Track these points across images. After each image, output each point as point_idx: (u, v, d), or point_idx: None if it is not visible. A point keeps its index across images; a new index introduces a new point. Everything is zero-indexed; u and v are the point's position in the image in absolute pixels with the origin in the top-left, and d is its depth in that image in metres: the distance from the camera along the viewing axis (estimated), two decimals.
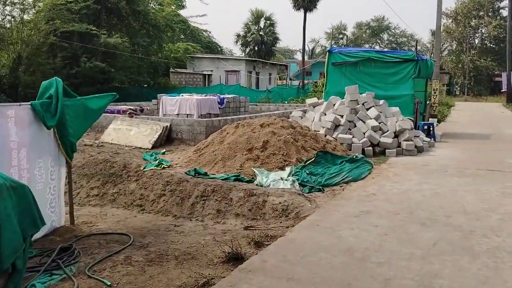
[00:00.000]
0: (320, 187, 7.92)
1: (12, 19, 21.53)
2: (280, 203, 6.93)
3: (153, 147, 10.84)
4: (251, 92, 33.37)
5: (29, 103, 5.71)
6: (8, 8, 21.20)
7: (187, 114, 14.51)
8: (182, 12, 42.18)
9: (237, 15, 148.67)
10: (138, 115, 12.31)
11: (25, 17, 22.42)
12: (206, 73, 38.97)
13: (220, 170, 8.31)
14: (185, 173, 7.95)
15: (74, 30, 23.80)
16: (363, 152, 11.38)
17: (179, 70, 36.39)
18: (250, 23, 53.24)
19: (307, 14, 48.22)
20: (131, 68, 27.78)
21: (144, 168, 8.16)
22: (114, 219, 6.79)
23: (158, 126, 11.25)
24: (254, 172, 8.04)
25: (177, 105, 14.67)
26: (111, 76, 25.67)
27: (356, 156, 9.83)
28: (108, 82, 25.68)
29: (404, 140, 11.85)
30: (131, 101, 24.45)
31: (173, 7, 34.36)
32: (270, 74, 45.53)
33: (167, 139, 11.45)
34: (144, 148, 10.75)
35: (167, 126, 11.38)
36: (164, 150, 10.43)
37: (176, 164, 8.80)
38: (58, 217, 6.20)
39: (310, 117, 13.60)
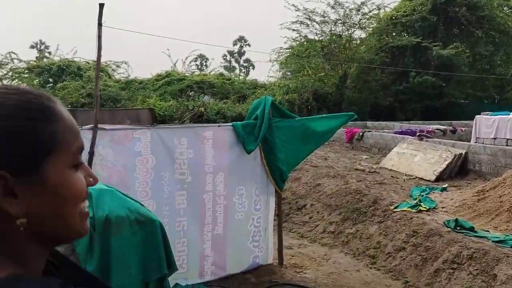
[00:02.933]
0: None
1: (341, 38, 22.49)
2: None
3: (438, 179, 8.69)
4: None
5: (231, 124, 5.17)
6: (338, 28, 22.26)
7: (507, 139, 11.31)
8: None
9: None
10: (430, 137, 10.24)
11: (356, 34, 23.12)
12: None
13: (501, 226, 5.72)
14: (444, 223, 5.82)
15: (406, 44, 23.00)
16: None
17: None
18: None
19: None
20: (469, 82, 24.71)
21: (395, 208, 6.48)
22: (329, 268, 5.52)
23: (448, 153, 8.98)
24: None
25: (494, 127, 11.63)
26: (444, 91, 23.52)
27: None
28: (439, 97, 23.64)
29: None
30: (463, 119, 21.72)
31: None
32: None
33: (460, 170, 9.02)
34: (425, 180, 8.77)
35: (461, 154, 8.93)
36: (447, 185, 8.19)
37: (443, 208, 6.62)
38: (263, 254, 5.45)
39: None
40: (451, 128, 13.76)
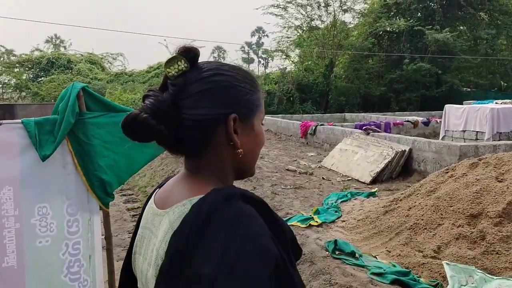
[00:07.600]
0: None
1: (326, 22, 20.99)
2: None
3: (375, 181, 7.38)
4: None
5: (20, 120, 4.03)
6: (323, 12, 20.73)
7: (476, 132, 9.84)
8: None
9: None
10: (377, 131, 8.85)
11: (345, 19, 21.59)
12: None
13: (396, 249, 4.46)
14: (325, 244, 4.60)
15: (401, 29, 21.41)
16: None
17: None
18: None
19: None
20: (470, 68, 22.98)
21: (286, 221, 5.26)
22: None
23: (390, 150, 7.65)
24: (446, 270, 3.86)
25: (463, 118, 10.13)
26: (441, 79, 21.87)
27: None
28: (437, 86, 22.00)
29: None
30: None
31: None
32: None
33: (404, 170, 7.69)
34: (361, 182, 7.48)
35: (404, 151, 7.59)
36: (376, 189, 6.89)
37: (344, 221, 5.36)
38: None
39: None
40: (426, 119, 12.29)
